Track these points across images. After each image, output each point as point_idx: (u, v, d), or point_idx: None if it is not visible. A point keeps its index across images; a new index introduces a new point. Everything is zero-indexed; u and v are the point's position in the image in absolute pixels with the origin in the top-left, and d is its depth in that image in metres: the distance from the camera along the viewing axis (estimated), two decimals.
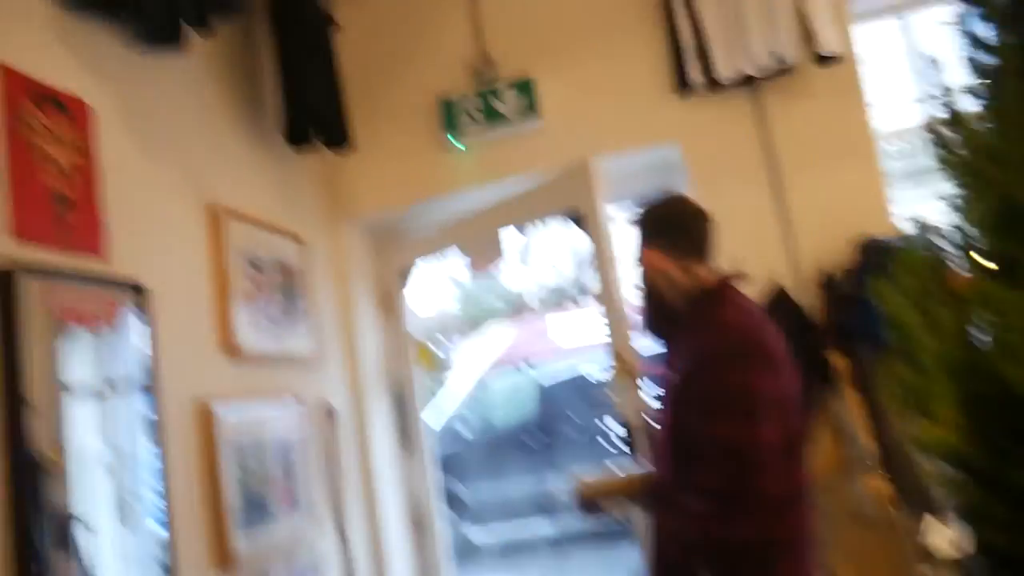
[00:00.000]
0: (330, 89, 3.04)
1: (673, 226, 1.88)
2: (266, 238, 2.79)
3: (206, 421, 2.28)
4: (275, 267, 2.81)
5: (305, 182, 3.22)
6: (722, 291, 1.83)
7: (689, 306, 1.83)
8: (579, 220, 2.91)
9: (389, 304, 3.53)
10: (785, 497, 1.64)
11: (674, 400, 1.77)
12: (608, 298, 2.80)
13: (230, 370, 2.47)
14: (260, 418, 2.54)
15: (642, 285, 1.92)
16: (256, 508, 2.41)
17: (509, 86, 3.19)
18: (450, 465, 7.43)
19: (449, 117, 3.23)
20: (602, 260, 2.83)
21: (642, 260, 1.90)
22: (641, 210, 1.94)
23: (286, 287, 2.86)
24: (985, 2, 1.04)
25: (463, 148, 3.23)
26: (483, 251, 3.39)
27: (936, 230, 0.99)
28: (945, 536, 0.87)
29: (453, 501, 7.15)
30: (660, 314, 1.91)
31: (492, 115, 3.19)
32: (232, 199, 2.62)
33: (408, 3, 3.37)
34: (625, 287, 2.75)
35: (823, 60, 2.92)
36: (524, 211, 3.15)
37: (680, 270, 1.84)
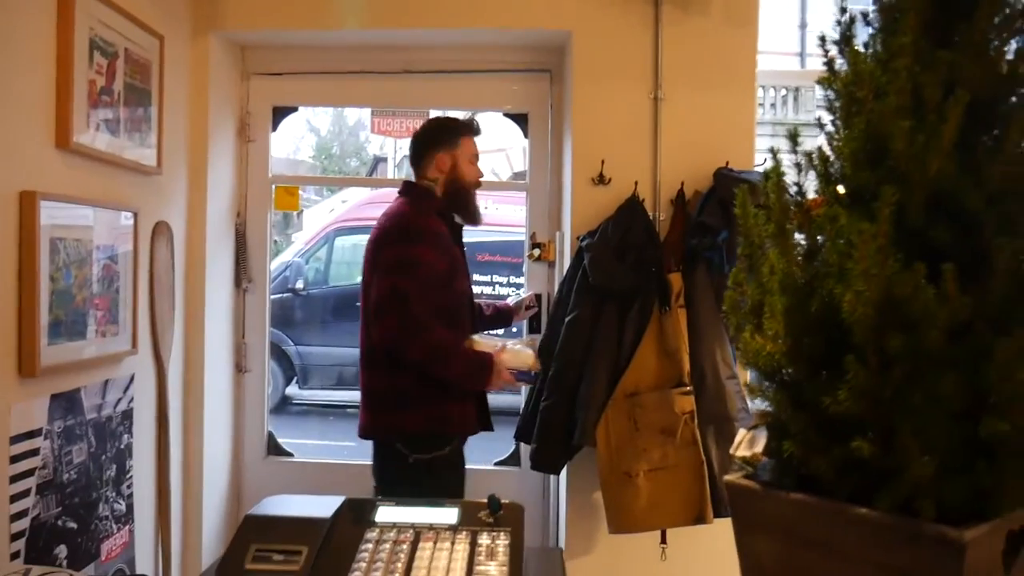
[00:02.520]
0: None
1: None
2: (122, 25, 2.52)
3: (29, 215, 2.08)
4: (127, 60, 2.56)
5: None
6: None
7: None
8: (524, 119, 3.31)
9: (248, 134, 3.33)
10: None
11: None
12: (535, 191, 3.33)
13: (61, 165, 2.27)
14: (87, 223, 2.36)
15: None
16: (70, 317, 2.27)
17: None
18: (279, 315, 7.32)
19: None
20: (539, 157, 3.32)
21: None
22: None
23: (136, 86, 2.62)
24: None
25: None
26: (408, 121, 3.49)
27: (805, 156, 1.00)
28: (754, 446, 0.93)
29: (276, 352, 7.07)
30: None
31: None
32: None
33: None
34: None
35: None
36: (468, 97, 3.38)
37: None
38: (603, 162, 2.94)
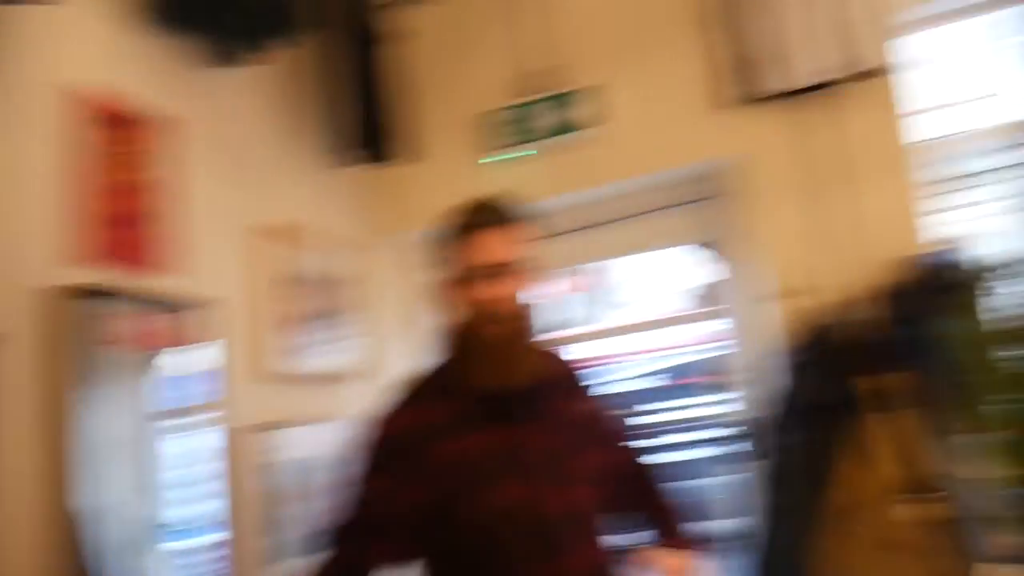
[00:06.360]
0: (371, 104, 3.10)
1: None
2: (316, 254, 2.83)
3: (245, 448, 2.36)
4: (322, 283, 2.84)
5: (365, 192, 3.29)
6: None
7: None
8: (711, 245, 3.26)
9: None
10: None
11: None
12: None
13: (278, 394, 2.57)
14: (301, 442, 2.58)
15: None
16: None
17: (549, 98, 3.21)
18: None
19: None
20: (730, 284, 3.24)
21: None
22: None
23: (332, 304, 2.89)
24: None
25: (533, 152, 3.23)
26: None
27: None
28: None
29: None
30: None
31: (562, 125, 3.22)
32: (279, 215, 2.67)
33: (476, 10, 3.40)
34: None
35: (862, 75, 2.83)
36: (646, 237, 3.41)
37: None
38: (788, 277, 2.89)
